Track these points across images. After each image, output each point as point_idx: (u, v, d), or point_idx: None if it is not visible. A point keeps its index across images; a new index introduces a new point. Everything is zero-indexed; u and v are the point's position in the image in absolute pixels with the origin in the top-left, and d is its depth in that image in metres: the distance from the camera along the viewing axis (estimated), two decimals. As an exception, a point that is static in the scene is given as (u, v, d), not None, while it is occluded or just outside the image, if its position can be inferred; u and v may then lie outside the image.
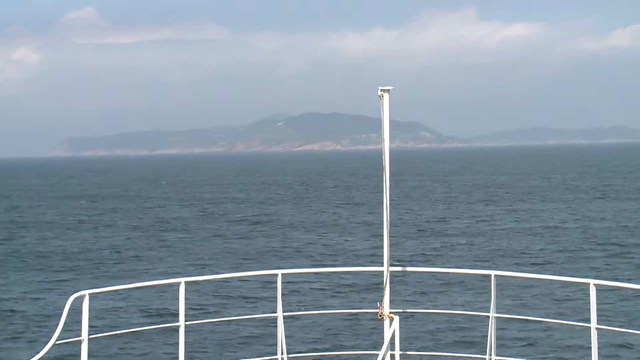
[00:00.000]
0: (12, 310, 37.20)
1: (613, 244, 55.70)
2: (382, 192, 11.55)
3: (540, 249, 53.99)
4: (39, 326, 34.18)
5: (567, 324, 13.77)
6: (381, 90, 11.55)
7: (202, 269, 46.99)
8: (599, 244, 55.51)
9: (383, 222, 11.53)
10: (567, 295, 38.40)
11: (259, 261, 50.28)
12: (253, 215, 77.33)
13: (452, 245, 56.03)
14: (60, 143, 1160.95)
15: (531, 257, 50.83)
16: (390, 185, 11.52)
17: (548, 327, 32.21)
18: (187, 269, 47.14)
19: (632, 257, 50.11)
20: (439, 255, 52.02)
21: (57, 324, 10.43)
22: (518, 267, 47.31)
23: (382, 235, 11.62)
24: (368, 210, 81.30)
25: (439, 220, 70.74)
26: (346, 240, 59.37)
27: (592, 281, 10.99)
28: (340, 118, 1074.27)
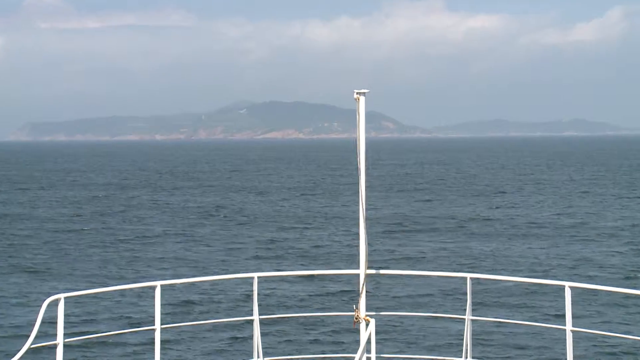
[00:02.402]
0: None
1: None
2: (358, 193, 11.57)
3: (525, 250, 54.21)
4: (14, 330, 33.99)
5: (543, 326, 13.85)
6: (357, 93, 11.55)
7: (179, 273, 46.89)
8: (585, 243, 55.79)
9: (359, 224, 11.54)
10: (543, 298, 38.56)
11: (234, 263, 50.23)
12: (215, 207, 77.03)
13: (428, 244, 56.08)
14: (21, 128, 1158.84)
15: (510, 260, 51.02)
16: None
17: (524, 330, 32.35)
18: (163, 271, 47.02)
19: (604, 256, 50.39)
20: (414, 256, 52.09)
21: (32, 328, 10.38)
22: (494, 270, 47.48)
23: (358, 238, 11.63)
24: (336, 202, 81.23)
25: (415, 217, 70.79)
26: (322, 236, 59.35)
27: (567, 283, 11.04)
28: (303, 106, 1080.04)
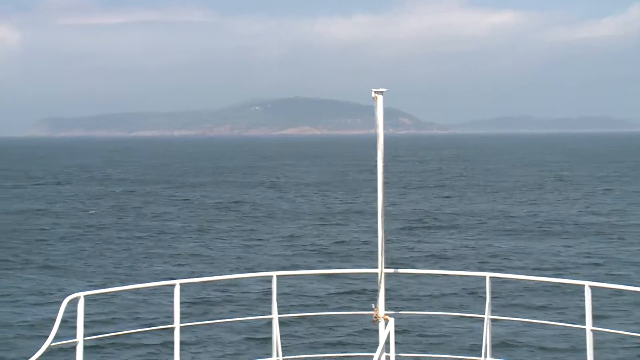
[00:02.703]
0: (6, 312, 37.15)
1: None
2: (376, 191, 11.57)
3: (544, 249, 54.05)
4: (34, 328, 34.13)
5: (563, 326, 13.81)
6: (375, 92, 11.54)
7: (197, 270, 46.97)
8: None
9: (377, 223, 11.54)
10: (563, 297, 38.43)
11: (253, 261, 50.27)
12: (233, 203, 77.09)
13: (447, 241, 55.98)
14: (38, 123, 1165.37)
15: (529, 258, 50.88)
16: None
17: (543, 329, 32.24)
18: (182, 270, 47.11)
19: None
20: (434, 254, 52.01)
21: (52, 326, 10.42)
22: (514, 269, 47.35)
23: (377, 236, 11.63)
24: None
25: (435, 214, 70.65)
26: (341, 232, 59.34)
27: (587, 283, 11.00)
28: (319, 103, 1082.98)
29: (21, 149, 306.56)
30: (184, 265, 49.50)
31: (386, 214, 11.56)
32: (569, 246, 55.36)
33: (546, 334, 32.07)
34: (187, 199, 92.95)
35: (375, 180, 11.53)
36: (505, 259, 50.86)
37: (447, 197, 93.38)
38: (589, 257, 51.08)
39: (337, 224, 68.93)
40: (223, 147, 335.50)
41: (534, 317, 33.88)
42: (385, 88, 11.58)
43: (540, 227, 65.68)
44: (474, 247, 55.30)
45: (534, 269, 46.60)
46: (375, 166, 11.56)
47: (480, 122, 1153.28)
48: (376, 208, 11.57)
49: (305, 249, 55.62)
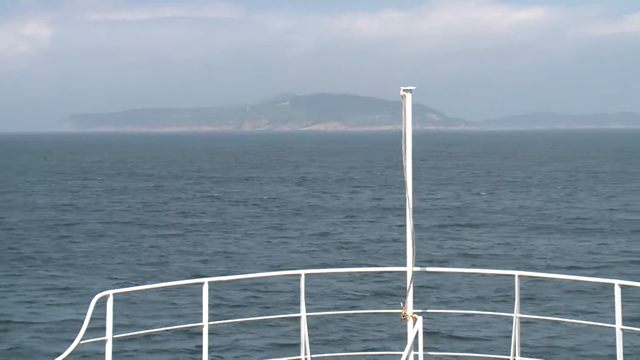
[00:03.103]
0: (36, 310, 37.39)
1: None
2: (405, 190, 11.54)
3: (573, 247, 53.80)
4: (64, 326, 34.33)
5: (592, 325, 13.69)
6: (403, 90, 11.52)
7: (225, 268, 47.07)
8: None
9: (406, 222, 11.52)
10: (593, 296, 38.23)
11: (280, 260, 50.33)
12: (263, 200, 77.15)
13: (477, 239, 55.83)
14: (67, 119, 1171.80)
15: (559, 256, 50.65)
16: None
17: (572, 328, 32.09)
18: (211, 268, 47.23)
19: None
20: (463, 252, 51.89)
21: (82, 324, 10.48)
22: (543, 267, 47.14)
23: (406, 234, 11.61)
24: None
25: (464, 211, 70.45)
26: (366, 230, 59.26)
27: (616, 281, 10.94)
28: (348, 99, 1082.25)
29: (50, 145, 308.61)
30: (212, 263, 49.62)
31: (415, 211, 11.54)
32: (602, 244, 55.06)
33: (576, 333, 31.92)
34: (214, 196, 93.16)
35: (404, 177, 11.50)
36: (536, 257, 50.64)
37: (477, 193, 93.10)
38: (621, 255, 50.78)
39: (365, 222, 68.87)
40: (250, 143, 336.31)
41: (564, 316, 33.73)
42: (413, 86, 11.55)
43: (571, 224, 65.34)
44: (503, 245, 55.10)
45: (565, 268, 46.38)
46: (403, 166, 11.53)
47: (508, 118, 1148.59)
48: (405, 205, 11.55)
49: (333, 247, 55.62)
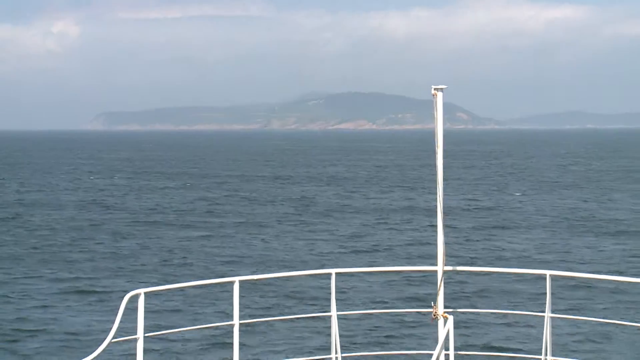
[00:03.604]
0: (68, 308, 37.61)
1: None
2: (436, 189, 11.52)
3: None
4: (95, 324, 34.50)
5: (625, 325, 13.58)
6: (435, 89, 11.50)
7: (256, 268, 47.14)
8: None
9: (437, 221, 11.49)
10: (626, 295, 37.97)
11: (312, 259, 50.33)
12: (296, 201, 77.14)
13: (509, 239, 55.62)
14: (96, 117, 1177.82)
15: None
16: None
17: (605, 328, 31.88)
18: (241, 267, 47.31)
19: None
20: (494, 251, 51.71)
21: (113, 322, 10.52)
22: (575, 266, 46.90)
23: (436, 234, 11.59)
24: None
25: (497, 210, 70.20)
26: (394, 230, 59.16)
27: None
28: (376, 97, 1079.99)
29: (80, 143, 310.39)
30: (241, 262, 49.70)
31: (446, 213, 11.51)
32: (633, 243, 54.73)
33: (608, 332, 31.71)
34: (242, 195, 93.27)
35: (435, 176, 11.49)
36: (569, 259, 50.39)
37: (510, 193, 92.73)
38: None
39: (396, 222, 68.76)
40: (279, 142, 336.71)
41: (596, 316, 33.52)
42: (444, 85, 11.53)
43: (606, 224, 64.95)
44: (535, 245, 54.86)
45: (599, 268, 46.11)
46: (435, 163, 11.51)
47: (539, 117, 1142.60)
48: (436, 205, 11.52)
49: (363, 246, 55.58)
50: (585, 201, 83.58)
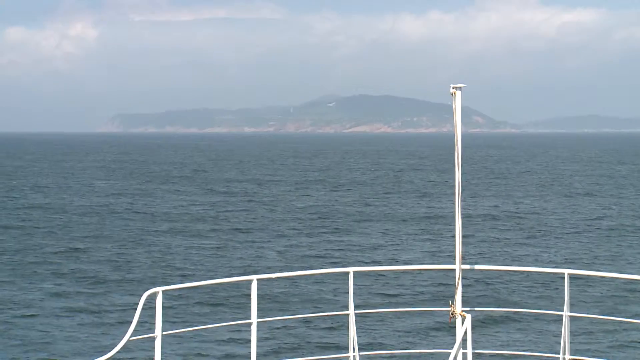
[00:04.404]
0: (86, 306, 37.72)
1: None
2: (454, 187, 11.50)
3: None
4: (113, 322, 34.61)
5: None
6: (453, 87, 11.48)
7: (274, 266, 47.19)
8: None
9: (455, 218, 11.48)
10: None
11: (329, 258, 50.34)
12: (310, 206, 77.17)
13: (525, 240, 55.50)
14: (111, 119, 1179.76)
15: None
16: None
17: (624, 327, 31.77)
18: (261, 266, 47.37)
19: None
20: (511, 251, 51.59)
21: (131, 320, 10.54)
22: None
23: (454, 233, 11.57)
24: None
25: (512, 213, 70.08)
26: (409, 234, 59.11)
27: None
28: (392, 100, 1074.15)
29: (97, 144, 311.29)
30: (260, 261, 49.75)
31: (463, 214, 11.48)
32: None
33: (626, 331, 31.59)
34: (255, 197, 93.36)
35: (453, 176, 11.46)
36: (586, 260, 50.24)
37: (527, 195, 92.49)
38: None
39: (412, 225, 68.70)
40: (293, 145, 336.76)
41: (615, 315, 33.41)
42: (462, 84, 11.51)
43: (624, 226, 64.74)
44: (554, 245, 54.72)
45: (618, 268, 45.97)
46: (453, 163, 11.48)
47: (554, 120, 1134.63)
48: (454, 203, 11.50)
49: (378, 247, 55.56)
50: (600, 203, 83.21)
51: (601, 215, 70.49)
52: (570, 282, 11.59)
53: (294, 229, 63.99)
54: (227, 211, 77.06)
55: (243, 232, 62.35)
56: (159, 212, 76.17)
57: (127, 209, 78.75)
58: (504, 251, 52.31)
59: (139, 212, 76.23)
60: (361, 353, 12.39)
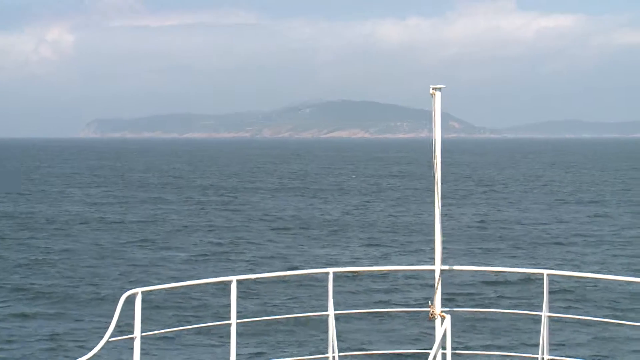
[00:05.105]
0: (65, 308, 37.57)
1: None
2: (434, 189, 11.51)
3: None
4: (92, 324, 34.48)
5: (622, 324, 13.54)
6: (433, 88, 11.49)
7: (254, 267, 47.14)
8: None
9: (434, 219, 11.49)
10: (622, 295, 38.00)
11: (307, 260, 50.34)
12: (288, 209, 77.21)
13: (502, 242, 55.70)
14: (89, 124, 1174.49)
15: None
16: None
17: (602, 327, 31.90)
18: (239, 267, 47.31)
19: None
20: (490, 252, 51.74)
21: (110, 322, 10.50)
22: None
23: (434, 233, 11.58)
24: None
25: (488, 216, 70.33)
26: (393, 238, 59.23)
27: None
28: (369, 106, 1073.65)
29: (75, 150, 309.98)
30: (240, 263, 49.72)
31: (444, 212, 11.50)
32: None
33: (605, 332, 31.72)
34: (237, 210, 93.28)
35: (433, 176, 11.47)
36: (565, 257, 50.45)
37: (507, 200, 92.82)
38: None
39: (389, 230, 68.77)
40: (269, 150, 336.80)
41: (593, 315, 33.55)
42: (442, 85, 11.52)
43: (603, 233, 65.04)
44: (533, 247, 54.92)
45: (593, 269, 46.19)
46: (433, 164, 11.49)
47: (533, 126, 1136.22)
48: (433, 204, 11.51)
49: (358, 248, 55.61)
50: (580, 210, 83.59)
51: (585, 221, 70.79)
52: (549, 283, 11.62)
53: (274, 233, 63.97)
54: (205, 215, 76.95)
55: (222, 236, 62.27)
56: (136, 218, 76.01)
57: (101, 216, 78.54)
58: (484, 253, 52.44)
59: (114, 219, 76.04)
60: (341, 354, 12.38)
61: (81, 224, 68.10)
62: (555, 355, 12.31)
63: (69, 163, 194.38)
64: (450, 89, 11.57)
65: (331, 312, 11.99)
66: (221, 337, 30.93)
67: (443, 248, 11.50)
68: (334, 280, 12.02)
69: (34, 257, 50.83)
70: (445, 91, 11.52)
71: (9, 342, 32.12)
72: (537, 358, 11.74)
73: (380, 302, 37.66)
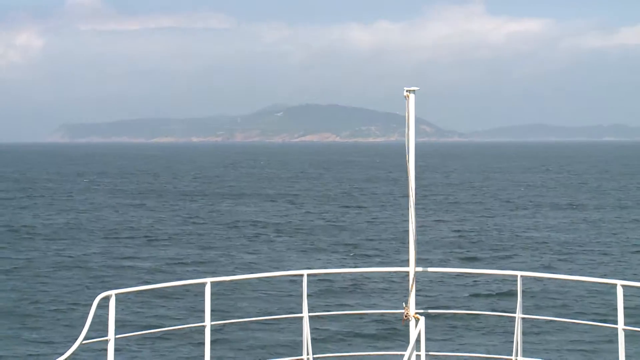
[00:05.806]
0: (38, 310, 37.40)
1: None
2: (407, 191, 11.53)
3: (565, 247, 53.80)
4: (66, 326, 34.34)
5: (595, 325, 13.67)
6: (407, 90, 11.52)
7: (228, 269, 47.07)
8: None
9: (409, 222, 11.50)
10: (595, 296, 38.22)
11: (283, 261, 50.35)
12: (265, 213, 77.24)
13: (480, 244, 55.90)
14: (57, 129, 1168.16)
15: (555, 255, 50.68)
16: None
17: (575, 328, 32.07)
18: (214, 269, 47.23)
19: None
20: (466, 255, 51.91)
21: (84, 324, 10.46)
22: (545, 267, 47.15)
23: (408, 236, 11.60)
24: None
25: (462, 220, 70.62)
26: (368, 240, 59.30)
27: (619, 282, 10.93)
28: (340, 110, 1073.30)
29: (42, 155, 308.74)
30: (213, 265, 49.64)
31: (416, 216, 11.51)
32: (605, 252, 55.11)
33: (578, 333, 31.89)
34: (205, 207, 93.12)
35: (407, 179, 11.50)
36: (539, 258, 50.66)
37: (484, 206, 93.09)
38: (620, 261, 50.84)
39: (363, 232, 68.81)
40: (240, 155, 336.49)
41: (566, 317, 33.71)
42: (416, 87, 11.55)
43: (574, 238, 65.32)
44: (509, 249, 55.12)
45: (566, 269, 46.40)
46: (406, 166, 11.52)
47: (502, 129, 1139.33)
48: (408, 206, 11.53)
49: (335, 250, 55.63)
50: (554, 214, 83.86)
51: (556, 224, 71.12)
52: (522, 284, 11.67)
53: (247, 237, 63.95)
54: (178, 220, 76.80)
55: (194, 242, 62.18)
56: (108, 223, 75.81)
57: (74, 218, 78.21)
58: (459, 255, 52.60)
59: (87, 224, 75.82)
60: (315, 355, 12.39)
61: (55, 232, 67.84)
62: (529, 357, 12.37)
63: (35, 168, 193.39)
64: (421, 92, 11.63)
65: (305, 314, 11.99)
66: (195, 338, 30.87)
67: (417, 250, 11.53)
68: (308, 283, 12.03)
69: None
70: (417, 94, 11.56)
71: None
72: (511, 359, 11.79)
73: (355, 304, 37.71)
